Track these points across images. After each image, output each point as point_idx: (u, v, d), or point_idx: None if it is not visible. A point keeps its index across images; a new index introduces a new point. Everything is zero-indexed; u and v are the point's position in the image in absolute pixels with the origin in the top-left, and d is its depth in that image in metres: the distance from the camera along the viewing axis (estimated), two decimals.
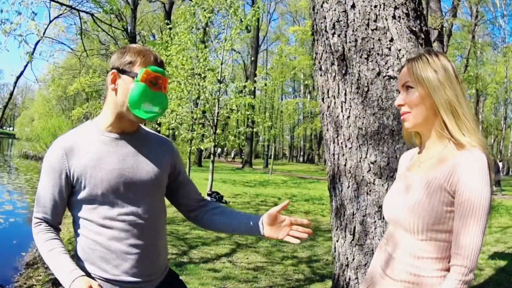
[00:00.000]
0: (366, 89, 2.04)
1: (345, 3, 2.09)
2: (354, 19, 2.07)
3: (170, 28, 10.41)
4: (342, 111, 2.13)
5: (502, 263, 4.96)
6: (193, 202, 1.55)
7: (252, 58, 24.24)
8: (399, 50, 2.01)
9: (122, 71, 1.31)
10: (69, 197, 1.35)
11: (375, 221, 1.99)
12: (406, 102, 1.24)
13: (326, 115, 2.25)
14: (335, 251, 2.22)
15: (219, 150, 37.95)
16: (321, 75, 2.27)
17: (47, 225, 1.34)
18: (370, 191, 2.01)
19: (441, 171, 1.16)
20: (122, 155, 1.34)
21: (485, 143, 1.16)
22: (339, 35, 2.12)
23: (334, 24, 2.13)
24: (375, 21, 2.03)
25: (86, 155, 1.30)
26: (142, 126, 1.47)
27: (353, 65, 2.07)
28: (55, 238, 1.32)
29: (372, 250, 2.00)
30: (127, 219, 1.31)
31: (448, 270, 1.13)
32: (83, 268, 1.32)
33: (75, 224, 1.36)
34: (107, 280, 1.31)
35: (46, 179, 1.34)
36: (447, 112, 1.18)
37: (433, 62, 1.21)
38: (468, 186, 1.10)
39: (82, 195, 1.30)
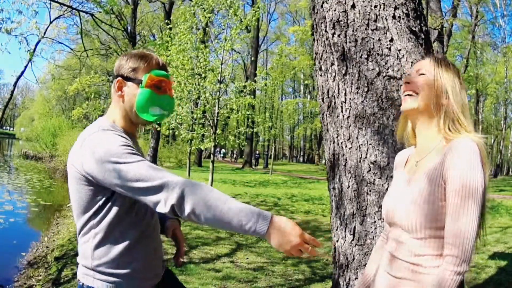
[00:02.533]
0: (366, 89, 2.04)
1: (345, 3, 2.09)
2: (354, 19, 2.07)
3: (170, 28, 10.41)
4: (342, 111, 2.13)
5: (502, 263, 4.96)
6: None
7: (252, 58, 24.21)
8: (399, 50, 2.01)
9: (127, 78, 1.36)
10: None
11: (375, 221, 1.99)
12: (414, 82, 1.26)
13: (326, 115, 2.25)
14: (335, 251, 2.22)
15: (223, 151, 37.90)
16: (321, 75, 2.27)
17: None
18: (370, 191, 2.01)
19: (433, 166, 1.17)
20: (140, 153, 1.40)
21: (479, 137, 1.17)
22: (339, 35, 2.12)
23: (334, 24, 2.13)
24: (375, 21, 2.03)
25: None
26: None
27: (353, 65, 2.07)
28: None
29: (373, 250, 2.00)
30: (149, 214, 1.38)
31: None
32: (95, 268, 1.29)
33: (99, 221, 1.28)
34: (121, 276, 1.29)
35: (134, 156, 1.22)
36: (449, 111, 1.21)
37: (453, 67, 1.26)
38: (457, 173, 1.09)
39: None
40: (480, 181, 1.07)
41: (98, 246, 1.28)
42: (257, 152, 35.43)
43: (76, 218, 1.33)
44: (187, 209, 1.14)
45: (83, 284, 1.30)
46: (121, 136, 1.28)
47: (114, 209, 1.27)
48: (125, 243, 1.29)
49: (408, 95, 1.26)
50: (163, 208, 1.16)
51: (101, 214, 1.27)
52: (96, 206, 1.27)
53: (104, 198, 1.26)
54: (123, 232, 1.29)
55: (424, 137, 1.26)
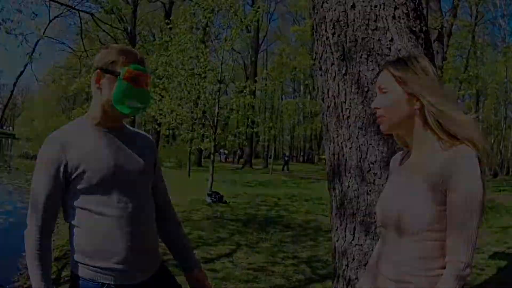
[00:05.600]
0: (366, 89, 2.04)
1: (345, 3, 2.09)
2: (354, 19, 2.07)
3: (170, 28, 10.41)
4: (342, 111, 2.13)
5: (502, 263, 4.96)
6: (162, 202, 1.62)
7: (252, 58, 24.21)
8: (399, 50, 2.01)
9: (105, 71, 1.39)
10: (64, 190, 1.38)
11: (375, 221, 1.99)
12: (381, 105, 1.27)
13: (326, 115, 2.25)
14: (335, 251, 2.22)
15: (225, 152, 37.52)
16: (321, 75, 2.27)
17: (41, 233, 1.37)
18: (370, 191, 2.01)
19: (433, 172, 1.16)
20: (115, 147, 1.41)
21: (477, 137, 1.15)
22: (339, 35, 2.12)
23: (334, 24, 2.13)
24: (375, 21, 2.03)
25: (83, 147, 1.36)
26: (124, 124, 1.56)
27: (353, 65, 2.07)
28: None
29: (372, 250, 2.00)
30: (123, 207, 1.36)
31: (444, 268, 1.14)
32: (77, 259, 1.36)
33: (70, 216, 1.39)
34: (102, 269, 1.34)
35: (41, 175, 1.35)
36: (429, 112, 1.19)
37: (412, 65, 1.23)
38: (460, 184, 1.11)
39: (79, 185, 1.34)
40: (481, 189, 1.10)
41: (72, 237, 1.38)
42: (286, 154, 31.49)
43: None
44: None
45: (71, 270, 1.40)
46: (51, 146, 1.35)
47: (70, 205, 1.37)
48: (91, 236, 1.34)
49: (380, 116, 1.28)
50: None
51: (65, 208, 1.40)
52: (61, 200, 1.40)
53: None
54: (87, 226, 1.35)
55: (413, 140, 1.27)
